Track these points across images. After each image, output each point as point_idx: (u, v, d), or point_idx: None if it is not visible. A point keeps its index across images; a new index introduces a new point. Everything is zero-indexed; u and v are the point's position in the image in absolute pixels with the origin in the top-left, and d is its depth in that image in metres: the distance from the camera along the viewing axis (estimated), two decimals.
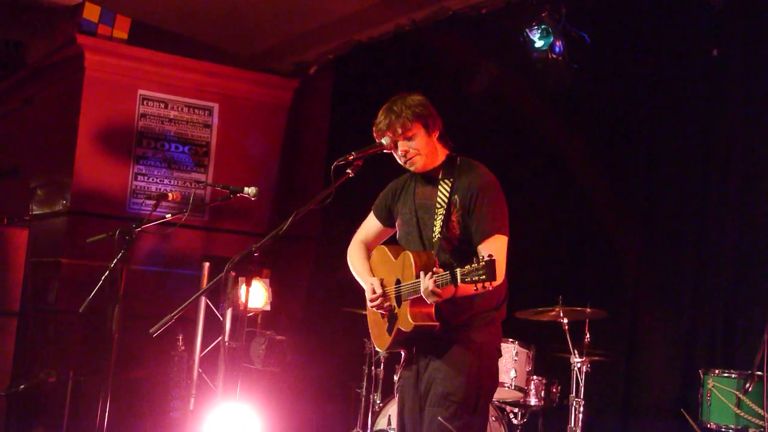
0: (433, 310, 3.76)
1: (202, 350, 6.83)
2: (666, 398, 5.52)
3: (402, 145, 3.90)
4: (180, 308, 3.63)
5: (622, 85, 6.05)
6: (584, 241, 6.16)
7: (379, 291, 3.94)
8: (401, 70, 7.61)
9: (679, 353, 5.55)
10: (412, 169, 3.96)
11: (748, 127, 5.42)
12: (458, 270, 3.49)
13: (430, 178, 3.98)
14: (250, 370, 6.60)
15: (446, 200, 3.85)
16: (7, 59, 9.56)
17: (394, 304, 3.90)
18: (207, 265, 6.87)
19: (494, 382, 4.03)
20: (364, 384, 6.35)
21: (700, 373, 4.94)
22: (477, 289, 3.49)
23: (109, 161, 8.10)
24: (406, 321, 3.77)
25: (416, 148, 3.90)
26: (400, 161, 3.96)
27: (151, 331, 3.67)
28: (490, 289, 3.53)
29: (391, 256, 4.04)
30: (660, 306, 5.70)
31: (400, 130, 3.86)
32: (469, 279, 3.46)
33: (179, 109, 8.41)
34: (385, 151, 3.93)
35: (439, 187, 3.91)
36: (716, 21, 5.57)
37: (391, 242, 4.20)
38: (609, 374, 5.75)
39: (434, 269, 3.62)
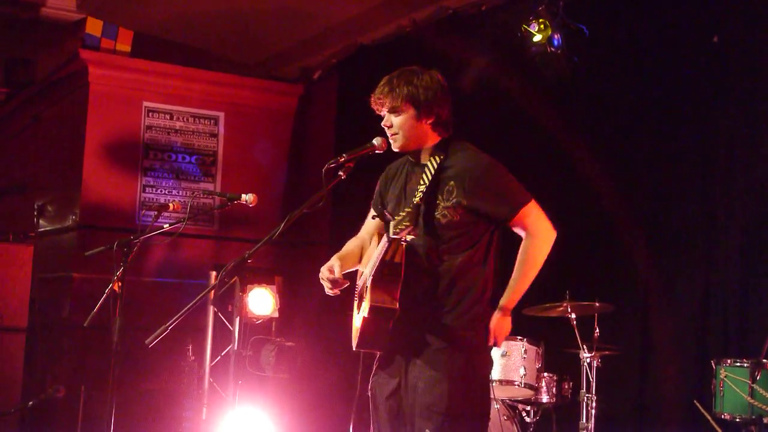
0: (397, 293, 3.49)
1: (212, 359, 6.82)
2: (680, 390, 5.46)
3: (386, 119, 3.73)
4: (174, 319, 3.59)
5: (623, 76, 6.00)
6: (590, 235, 6.10)
7: (336, 272, 3.73)
8: None
9: (692, 344, 5.49)
10: (392, 144, 3.76)
11: (751, 113, 5.36)
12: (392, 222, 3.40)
13: (419, 164, 3.77)
14: (261, 377, 6.58)
15: (430, 178, 3.64)
16: (16, 77, 9.61)
17: (365, 294, 3.65)
18: (213, 274, 6.88)
19: (485, 381, 3.75)
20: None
21: (713, 364, 4.89)
22: (403, 239, 3.39)
23: (117, 174, 8.11)
24: (366, 305, 3.53)
25: (398, 127, 3.70)
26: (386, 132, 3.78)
27: (146, 341, 3.64)
28: (410, 237, 3.40)
29: (371, 247, 3.90)
30: (670, 297, 5.64)
31: (388, 104, 3.68)
32: (398, 228, 3.35)
33: (185, 119, 8.42)
34: (377, 151, 3.79)
35: (426, 168, 3.69)
36: (716, 7, 5.52)
37: None
38: (621, 368, 5.70)
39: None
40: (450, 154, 3.72)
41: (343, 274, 3.79)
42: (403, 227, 3.43)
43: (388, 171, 3.99)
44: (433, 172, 3.67)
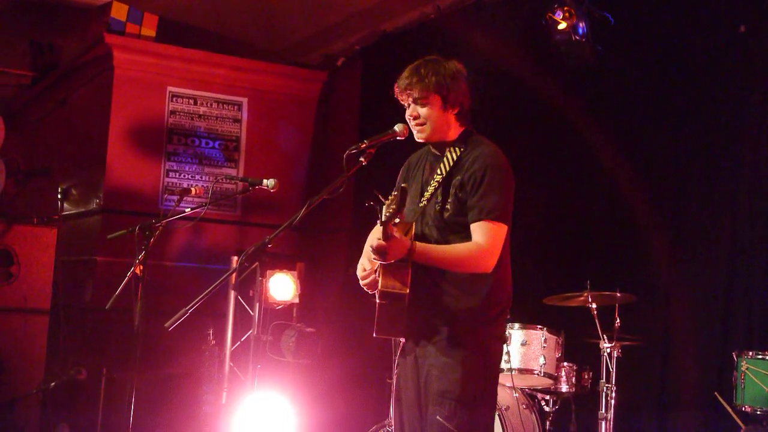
0: (407, 277, 3.51)
1: (232, 344, 6.85)
2: (700, 381, 5.43)
3: (413, 109, 3.74)
4: (194, 303, 3.62)
5: (648, 65, 5.95)
6: (611, 225, 6.08)
7: (367, 268, 3.74)
8: None
9: (713, 335, 5.45)
10: (416, 135, 3.78)
11: None
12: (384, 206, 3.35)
13: (439, 155, 3.79)
14: (281, 362, 6.60)
15: (446, 171, 3.68)
16: (41, 62, 9.65)
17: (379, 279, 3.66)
18: (235, 259, 6.91)
19: (495, 370, 3.77)
20: (394, 374, 6.30)
21: (734, 356, 4.87)
22: (393, 222, 3.32)
23: (140, 159, 8.15)
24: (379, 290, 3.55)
25: (425, 118, 3.71)
26: (409, 123, 3.78)
27: (166, 325, 3.67)
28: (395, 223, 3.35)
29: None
30: (692, 287, 5.61)
31: (416, 95, 3.69)
32: (387, 213, 3.29)
33: (209, 104, 8.44)
34: (398, 138, 3.80)
35: (444, 159, 3.73)
36: None
37: None
38: (641, 359, 5.67)
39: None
40: (469, 149, 3.73)
41: None
42: (391, 211, 3.35)
43: (410, 161, 4.01)
44: (450, 164, 3.70)
